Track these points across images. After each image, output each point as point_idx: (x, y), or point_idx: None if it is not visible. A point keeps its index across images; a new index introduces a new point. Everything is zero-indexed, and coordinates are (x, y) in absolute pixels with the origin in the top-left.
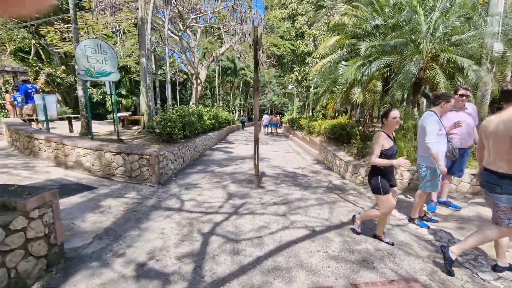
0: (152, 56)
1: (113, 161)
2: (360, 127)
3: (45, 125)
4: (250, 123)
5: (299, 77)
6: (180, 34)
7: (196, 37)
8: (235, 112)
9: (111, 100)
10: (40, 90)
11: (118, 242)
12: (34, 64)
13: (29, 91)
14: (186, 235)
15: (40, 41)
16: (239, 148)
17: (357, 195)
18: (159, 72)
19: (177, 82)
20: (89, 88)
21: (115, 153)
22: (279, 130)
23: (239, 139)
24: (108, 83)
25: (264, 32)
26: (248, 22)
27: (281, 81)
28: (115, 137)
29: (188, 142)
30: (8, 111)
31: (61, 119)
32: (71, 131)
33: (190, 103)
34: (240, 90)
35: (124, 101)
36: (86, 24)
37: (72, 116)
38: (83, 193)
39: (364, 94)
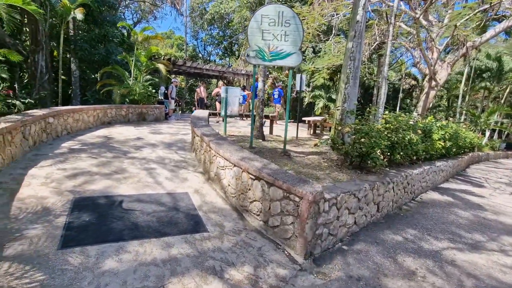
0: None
1: (249, 189)
2: None
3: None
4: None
5: None
6: (418, 16)
7: (441, 23)
8: (486, 133)
9: (319, 104)
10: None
11: None
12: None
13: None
14: None
15: None
16: (496, 200)
17: None
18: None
19: (401, 89)
20: (307, 91)
21: (254, 177)
22: None
23: (494, 177)
24: (299, 78)
25: None
26: None
27: None
28: (292, 146)
29: (396, 174)
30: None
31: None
32: (270, 131)
33: (414, 113)
34: (503, 101)
35: (332, 106)
36: (304, 19)
37: (271, 115)
38: (178, 238)
39: None
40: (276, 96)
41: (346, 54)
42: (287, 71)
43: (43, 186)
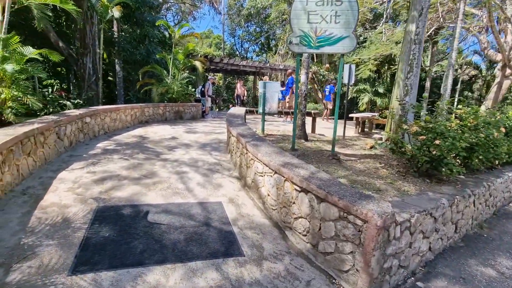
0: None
1: (293, 202)
2: None
3: (288, 118)
4: None
5: None
6: None
7: None
8: None
9: (363, 99)
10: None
11: None
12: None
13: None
14: None
15: None
16: None
17: None
18: (434, 70)
19: (460, 81)
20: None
21: (299, 189)
22: None
23: None
24: (347, 69)
25: None
26: None
27: None
28: (339, 147)
29: (476, 184)
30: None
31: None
32: (312, 130)
33: (483, 107)
34: None
35: (379, 101)
36: None
37: (313, 112)
38: (208, 263)
39: None
40: (327, 93)
41: (406, 39)
42: (327, 65)
43: (69, 192)
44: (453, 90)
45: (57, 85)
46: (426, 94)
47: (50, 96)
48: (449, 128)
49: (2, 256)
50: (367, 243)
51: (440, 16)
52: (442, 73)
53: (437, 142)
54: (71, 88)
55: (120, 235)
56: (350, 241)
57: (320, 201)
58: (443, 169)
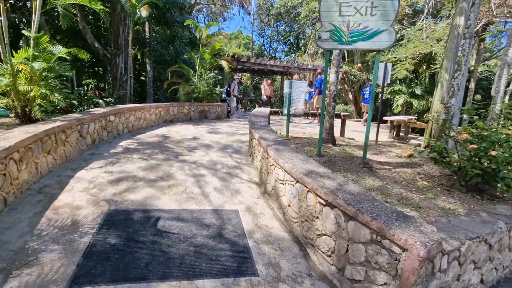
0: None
1: (317, 216)
2: None
3: (315, 120)
4: None
5: None
6: None
7: None
8: None
9: (398, 101)
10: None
11: None
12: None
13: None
14: None
15: None
16: None
17: None
18: (479, 70)
19: (510, 81)
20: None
21: (324, 202)
22: None
23: None
24: (383, 68)
25: None
26: None
27: None
28: (371, 154)
29: None
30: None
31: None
32: (341, 134)
33: None
34: None
35: (415, 103)
36: None
37: (343, 113)
38: (217, 282)
39: None
40: (366, 96)
41: (453, 33)
42: (359, 64)
43: (84, 192)
44: (505, 92)
45: (94, 84)
46: (478, 96)
47: (87, 94)
48: (508, 136)
49: (5, 260)
50: (405, 275)
51: (493, 9)
52: (489, 73)
53: (493, 153)
54: (106, 86)
55: (127, 244)
56: (384, 270)
57: (348, 218)
58: (499, 185)
